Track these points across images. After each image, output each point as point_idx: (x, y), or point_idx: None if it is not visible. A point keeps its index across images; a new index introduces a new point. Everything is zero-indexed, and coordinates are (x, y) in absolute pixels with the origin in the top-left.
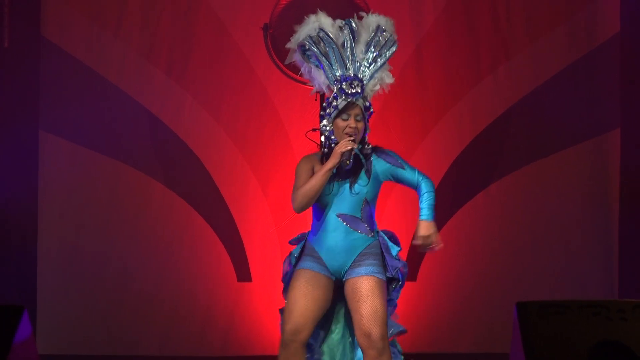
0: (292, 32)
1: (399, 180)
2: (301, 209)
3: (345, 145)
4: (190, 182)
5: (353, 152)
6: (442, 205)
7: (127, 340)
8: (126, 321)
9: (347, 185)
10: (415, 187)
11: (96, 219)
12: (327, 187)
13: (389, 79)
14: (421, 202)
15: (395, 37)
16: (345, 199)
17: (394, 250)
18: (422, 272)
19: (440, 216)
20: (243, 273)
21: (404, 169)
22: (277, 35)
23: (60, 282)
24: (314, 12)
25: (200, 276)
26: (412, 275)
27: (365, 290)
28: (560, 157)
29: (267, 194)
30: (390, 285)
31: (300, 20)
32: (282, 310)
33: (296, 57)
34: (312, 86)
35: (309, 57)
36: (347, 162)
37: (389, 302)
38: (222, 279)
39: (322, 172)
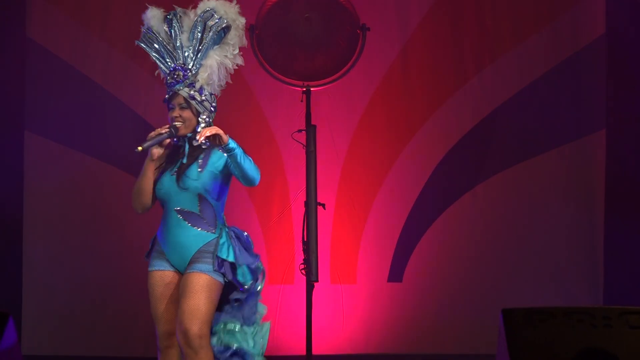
0: (278, 33)
1: (228, 168)
2: (139, 210)
3: (161, 130)
4: None
5: (165, 139)
6: (428, 206)
7: (113, 342)
8: (112, 323)
9: (177, 179)
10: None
11: (82, 220)
12: (159, 181)
13: (221, 62)
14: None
15: (233, 20)
16: (180, 194)
17: (224, 253)
18: (407, 272)
19: (426, 217)
20: None
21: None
22: (263, 36)
23: (45, 283)
24: (301, 11)
25: None
26: (397, 276)
27: (192, 286)
28: (545, 158)
29: (252, 195)
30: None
31: (286, 21)
32: None
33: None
34: (293, 87)
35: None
36: (162, 149)
37: (249, 308)
38: None
39: (142, 171)
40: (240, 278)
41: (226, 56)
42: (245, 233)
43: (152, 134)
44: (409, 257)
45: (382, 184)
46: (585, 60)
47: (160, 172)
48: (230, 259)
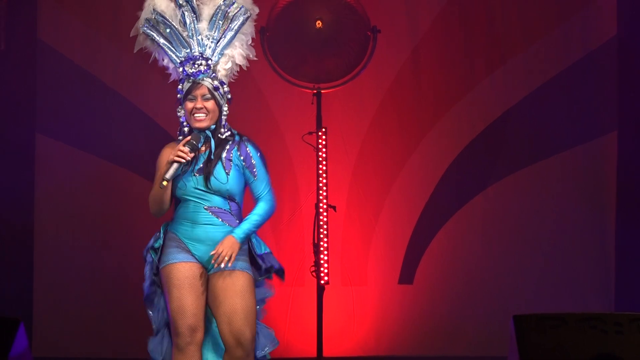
0: (289, 35)
1: (247, 183)
2: (157, 215)
3: (174, 155)
4: None
5: (184, 162)
6: (439, 208)
7: (123, 343)
8: (122, 324)
9: (205, 180)
10: (255, 200)
11: (92, 222)
12: (181, 181)
13: (239, 58)
14: (246, 217)
15: (249, 7)
16: (208, 194)
17: (263, 248)
18: (418, 274)
19: (437, 219)
20: None
21: (254, 178)
22: (274, 38)
23: (56, 284)
24: (312, 13)
25: None
26: (408, 278)
27: (238, 286)
28: (557, 160)
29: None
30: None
31: (297, 22)
32: (150, 310)
33: (145, 44)
34: (304, 89)
35: (153, 41)
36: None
37: (260, 302)
38: None
39: (155, 183)
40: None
41: (242, 46)
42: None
43: (171, 157)
44: (420, 259)
45: (393, 186)
46: (597, 62)
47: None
48: (267, 249)
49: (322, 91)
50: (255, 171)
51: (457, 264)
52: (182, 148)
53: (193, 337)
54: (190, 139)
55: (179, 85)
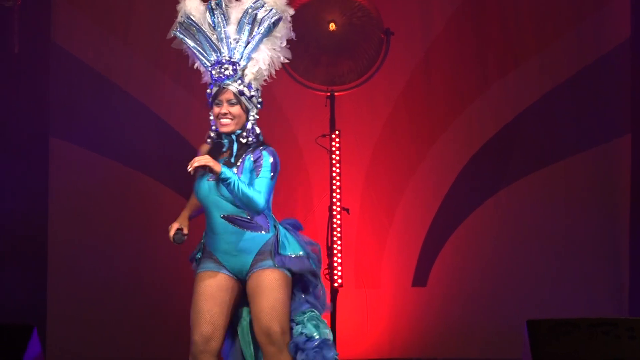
0: (301, 36)
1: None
2: None
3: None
4: None
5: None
6: (452, 211)
7: (136, 346)
8: (135, 327)
9: (216, 185)
10: None
11: (106, 225)
12: (198, 184)
13: (264, 64)
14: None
15: (282, 10)
16: (223, 200)
17: (287, 248)
18: (432, 277)
19: (450, 222)
20: None
21: (256, 176)
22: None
23: (70, 287)
24: (325, 16)
25: None
26: (422, 281)
27: (265, 284)
28: (570, 163)
29: (275, 200)
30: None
31: (310, 24)
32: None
33: (182, 47)
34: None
35: (185, 45)
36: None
37: (315, 299)
38: None
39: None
40: (313, 265)
41: (274, 49)
42: (294, 219)
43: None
44: (433, 262)
45: (406, 189)
46: (610, 65)
47: (198, 174)
48: (299, 251)
49: (335, 94)
50: (259, 171)
51: (470, 267)
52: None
53: (207, 346)
54: (174, 238)
55: (208, 89)
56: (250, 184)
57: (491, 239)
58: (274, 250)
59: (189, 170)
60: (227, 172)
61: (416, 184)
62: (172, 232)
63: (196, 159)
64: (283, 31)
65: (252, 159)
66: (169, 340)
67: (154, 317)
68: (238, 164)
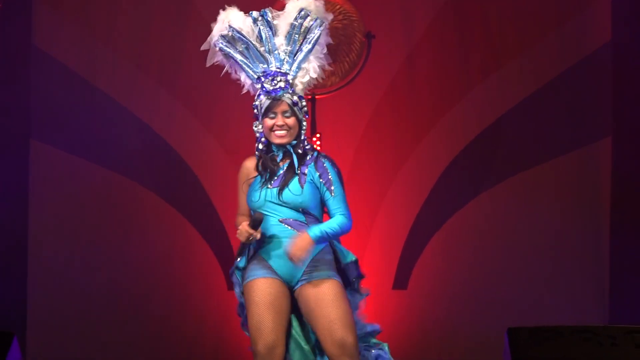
0: None
1: (322, 199)
2: None
3: (241, 235)
4: (181, 190)
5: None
6: (434, 213)
7: (118, 349)
8: (116, 330)
9: (279, 192)
10: (330, 216)
11: (87, 228)
12: (256, 193)
13: (314, 73)
14: (324, 222)
15: (323, 18)
16: (283, 207)
17: (349, 257)
18: (412, 280)
19: (432, 224)
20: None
21: (332, 195)
22: None
23: (51, 291)
24: None
25: (191, 285)
26: (403, 283)
27: (330, 294)
28: (551, 165)
29: None
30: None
31: None
32: (244, 328)
33: (217, 58)
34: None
35: (228, 56)
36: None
37: (354, 308)
38: (213, 287)
39: (239, 200)
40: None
41: (319, 57)
42: None
43: (242, 239)
44: (414, 265)
45: (387, 191)
46: (591, 67)
47: (254, 183)
48: (353, 257)
49: (316, 97)
50: (332, 188)
51: (452, 270)
52: (247, 230)
53: (271, 355)
54: (253, 220)
55: (256, 100)
56: (325, 202)
57: (473, 241)
58: (342, 260)
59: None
60: (315, 235)
61: (398, 186)
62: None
63: (296, 257)
64: (324, 38)
65: (317, 172)
66: (151, 345)
67: (135, 323)
68: (300, 171)
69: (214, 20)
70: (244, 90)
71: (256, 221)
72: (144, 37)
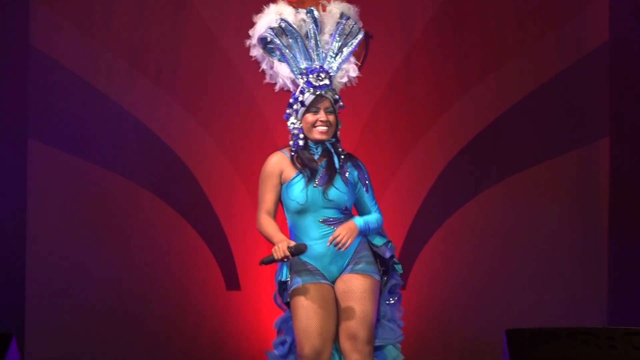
0: None
1: (356, 198)
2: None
3: (277, 253)
4: (178, 190)
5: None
6: (432, 213)
7: (116, 349)
8: (114, 330)
9: (324, 191)
10: (362, 214)
11: (85, 228)
12: (300, 193)
13: (354, 72)
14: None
15: (360, 25)
16: (325, 206)
17: (380, 240)
18: (410, 280)
19: (430, 224)
20: (232, 282)
21: (367, 192)
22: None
23: (48, 291)
24: None
25: (189, 285)
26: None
27: (359, 290)
28: (549, 165)
29: (255, 203)
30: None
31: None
32: (278, 327)
33: (256, 52)
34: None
35: (270, 50)
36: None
37: (396, 300)
38: (211, 287)
39: (260, 203)
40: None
41: (352, 62)
42: None
43: (277, 256)
44: (413, 265)
45: (385, 191)
46: (589, 67)
47: (294, 181)
48: (385, 239)
49: None
50: (367, 183)
51: (450, 270)
52: (285, 251)
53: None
54: (297, 247)
55: (299, 95)
56: (359, 199)
57: (471, 242)
58: (376, 243)
59: (338, 248)
60: (360, 225)
61: (396, 186)
62: (287, 247)
63: (342, 242)
64: (356, 42)
65: (355, 172)
66: (150, 345)
67: (134, 323)
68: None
69: (212, 19)
70: (278, 88)
71: (299, 252)
72: (142, 38)
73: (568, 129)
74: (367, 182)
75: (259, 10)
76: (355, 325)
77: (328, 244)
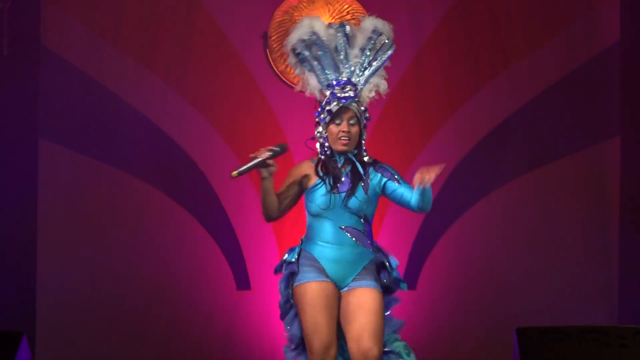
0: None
1: (390, 194)
2: (266, 220)
3: (259, 152)
4: (189, 190)
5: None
6: (442, 213)
7: (126, 349)
8: (125, 330)
9: (345, 198)
10: (409, 201)
11: (96, 227)
12: (323, 200)
13: (384, 86)
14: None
15: (392, 41)
16: (346, 213)
17: (394, 262)
18: (421, 280)
19: (440, 224)
20: (242, 281)
21: (399, 184)
22: (277, 43)
23: (59, 291)
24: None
25: (199, 285)
26: (411, 284)
27: (371, 304)
28: (560, 165)
29: None
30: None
31: None
32: (288, 326)
33: (289, 61)
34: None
35: (301, 60)
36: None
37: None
38: (222, 287)
39: (262, 190)
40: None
41: (382, 76)
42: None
43: (252, 155)
44: (423, 265)
45: None
46: (600, 67)
47: (316, 187)
48: (396, 262)
49: None
50: (396, 177)
51: (461, 269)
52: (263, 149)
53: (327, 354)
54: (277, 146)
55: (325, 105)
56: (395, 192)
57: (482, 241)
58: (390, 268)
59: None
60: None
61: None
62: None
63: (429, 174)
64: (386, 58)
65: (378, 173)
66: (159, 344)
67: (144, 322)
68: (362, 182)
69: (222, 20)
70: (308, 94)
71: (282, 149)
72: (153, 37)
73: (578, 128)
74: (396, 176)
75: (269, 10)
76: (369, 342)
77: (414, 187)
